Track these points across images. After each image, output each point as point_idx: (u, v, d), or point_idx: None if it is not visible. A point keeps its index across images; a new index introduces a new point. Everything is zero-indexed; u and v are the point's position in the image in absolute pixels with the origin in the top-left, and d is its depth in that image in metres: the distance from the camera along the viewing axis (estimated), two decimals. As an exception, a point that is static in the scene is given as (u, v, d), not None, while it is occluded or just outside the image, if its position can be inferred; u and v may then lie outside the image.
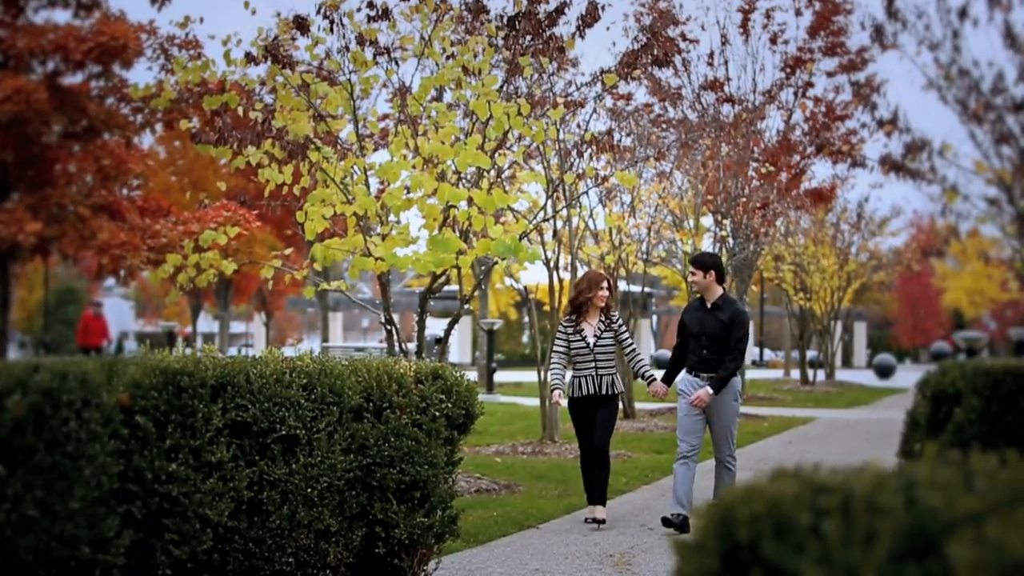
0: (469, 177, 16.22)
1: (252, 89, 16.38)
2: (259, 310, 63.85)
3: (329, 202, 14.34)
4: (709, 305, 12.69)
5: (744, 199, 29.33)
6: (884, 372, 62.98)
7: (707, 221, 30.99)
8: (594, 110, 20.87)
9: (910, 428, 12.97)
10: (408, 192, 14.30)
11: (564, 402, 13.59)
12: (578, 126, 21.03)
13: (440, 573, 9.96)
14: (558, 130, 17.95)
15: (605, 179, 22.11)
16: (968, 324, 79.39)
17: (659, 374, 13.61)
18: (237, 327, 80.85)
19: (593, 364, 13.25)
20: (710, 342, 12.54)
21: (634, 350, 13.63)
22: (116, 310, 63.64)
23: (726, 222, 29.56)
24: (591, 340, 13.30)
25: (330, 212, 14.36)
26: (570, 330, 13.48)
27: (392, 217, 14.69)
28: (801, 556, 2.41)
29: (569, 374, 13.72)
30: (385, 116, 23.44)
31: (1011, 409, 11.37)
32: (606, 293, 13.41)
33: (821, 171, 40.31)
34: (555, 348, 13.64)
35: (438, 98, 15.95)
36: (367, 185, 14.72)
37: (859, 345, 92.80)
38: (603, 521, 12.83)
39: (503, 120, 14.14)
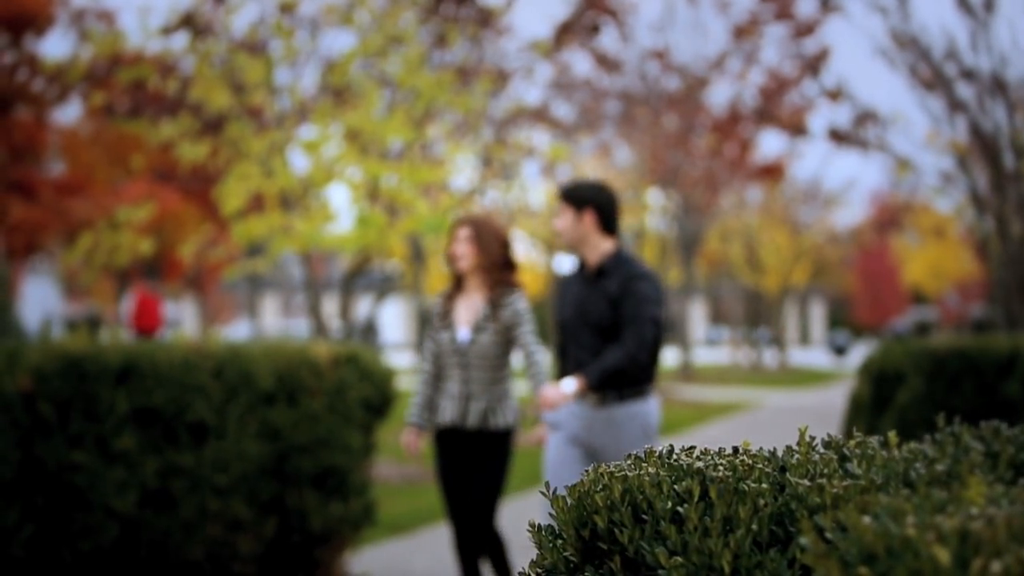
0: (395, 151, 16.21)
1: (169, 61, 16.32)
2: (194, 291, 63.40)
3: (248, 178, 14.31)
4: (591, 272, 7.52)
5: (688, 171, 29.42)
6: (840, 350, 63.37)
7: (652, 197, 31.09)
8: (528, 74, 20.83)
9: (853, 410, 13.09)
10: (332, 166, 14.33)
11: (417, 446, 8.11)
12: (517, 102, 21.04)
13: (359, 564, 9.97)
14: (488, 102, 17.91)
15: (534, 152, 22.09)
16: (929, 301, 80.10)
17: None
18: (170, 310, 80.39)
19: (462, 375, 7.96)
20: (595, 336, 7.39)
21: (534, 357, 7.81)
22: (41, 292, 63.14)
23: (671, 192, 29.66)
24: (462, 334, 7.94)
25: (249, 188, 14.33)
26: (439, 318, 8.21)
27: (315, 193, 14.67)
28: (659, 544, 2.43)
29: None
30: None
31: (956, 391, 11.49)
32: (465, 248, 7.95)
33: (770, 145, 40.51)
34: (423, 354, 8.41)
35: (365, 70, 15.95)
36: (287, 160, 14.69)
37: (816, 323, 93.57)
38: None
39: (429, 91, 14.15)
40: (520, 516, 12.04)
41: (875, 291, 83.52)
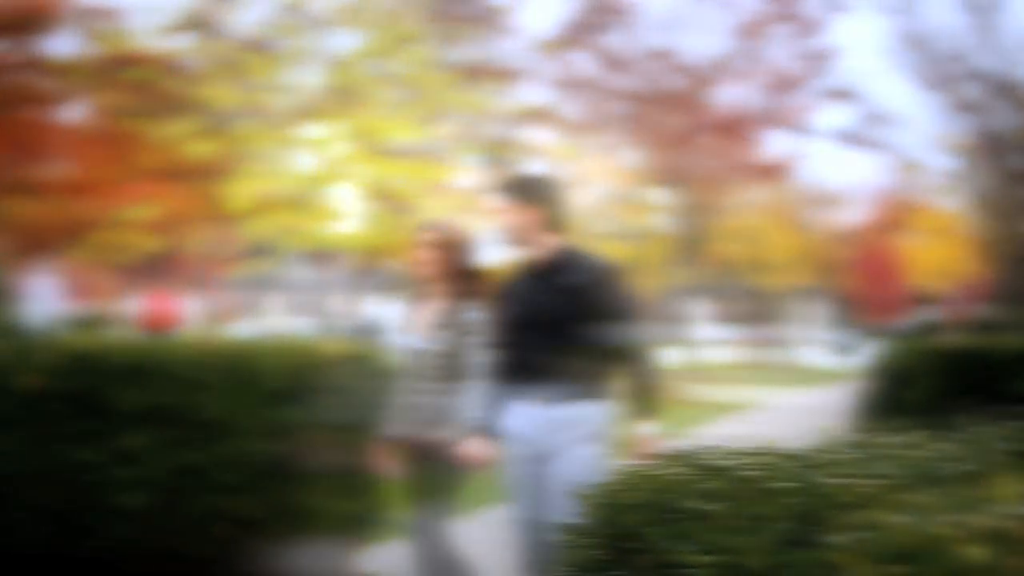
0: (401, 150, 16.20)
1: (176, 60, 16.30)
2: (198, 290, 63.20)
3: (255, 177, 14.30)
4: (542, 268, 6.99)
5: (693, 170, 29.40)
6: (845, 350, 63.31)
7: (657, 197, 31.04)
8: (534, 74, 20.83)
9: (863, 409, 13.05)
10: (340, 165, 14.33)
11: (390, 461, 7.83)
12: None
13: (368, 563, 9.96)
14: (494, 101, 17.89)
15: (541, 151, 22.07)
16: (934, 301, 79.95)
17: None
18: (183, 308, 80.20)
19: (417, 385, 7.64)
20: (542, 330, 6.85)
21: (474, 371, 7.40)
22: (45, 291, 63.01)
23: (676, 192, 29.61)
24: (417, 341, 7.67)
25: (257, 188, 14.31)
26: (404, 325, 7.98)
27: (321, 192, 14.66)
28: (687, 543, 2.42)
29: None
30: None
31: (967, 390, 11.45)
32: (428, 254, 7.67)
33: (775, 144, 40.26)
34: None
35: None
36: (294, 159, 14.69)
37: (820, 322, 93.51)
38: None
39: (436, 91, 14.15)
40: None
41: (880, 291, 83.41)
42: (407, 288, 7.86)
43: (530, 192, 6.99)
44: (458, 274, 7.66)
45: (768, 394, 33.43)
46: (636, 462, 5.96)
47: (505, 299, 7.16)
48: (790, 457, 2.69)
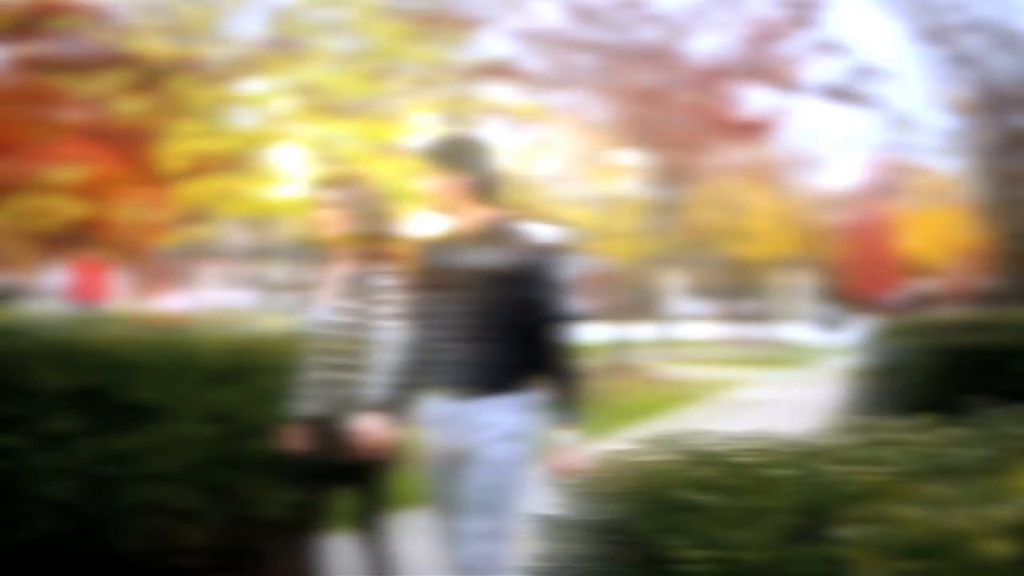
0: (349, 107, 16.10)
1: (104, 9, 16.17)
2: (127, 259, 62.86)
3: (190, 137, 14.21)
4: (467, 243, 6.48)
5: (667, 129, 29.33)
6: (831, 325, 63.55)
7: (627, 159, 30.99)
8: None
9: (866, 403, 13.10)
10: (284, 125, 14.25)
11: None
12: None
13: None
14: (451, 54, 17.78)
15: (502, 108, 21.97)
16: (929, 272, 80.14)
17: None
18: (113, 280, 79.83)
19: (325, 360, 7.31)
20: (460, 315, 6.41)
21: (380, 346, 7.11)
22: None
23: (648, 153, 29.54)
24: (320, 313, 7.39)
25: (192, 148, 14.21)
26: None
27: (262, 153, 14.58)
28: (679, 536, 2.41)
29: None
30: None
31: (974, 388, 11.48)
32: (331, 213, 7.40)
33: (756, 100, 39.99)
34: None
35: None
36: (232, 117, 14.61)
37: (805, 295, 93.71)
38: None
39: (387, 42, 14.07)
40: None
41: (870, 261, 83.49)
42: (313, 253, 7.72)
43: (455, 157, 6.56)
44: (366, 236, 7.36)
45: (750, 375, 33.41)
46: (556, 473, 5.79)
47: (420, 274, 6.67)
48: (792, 445, 2.68)
